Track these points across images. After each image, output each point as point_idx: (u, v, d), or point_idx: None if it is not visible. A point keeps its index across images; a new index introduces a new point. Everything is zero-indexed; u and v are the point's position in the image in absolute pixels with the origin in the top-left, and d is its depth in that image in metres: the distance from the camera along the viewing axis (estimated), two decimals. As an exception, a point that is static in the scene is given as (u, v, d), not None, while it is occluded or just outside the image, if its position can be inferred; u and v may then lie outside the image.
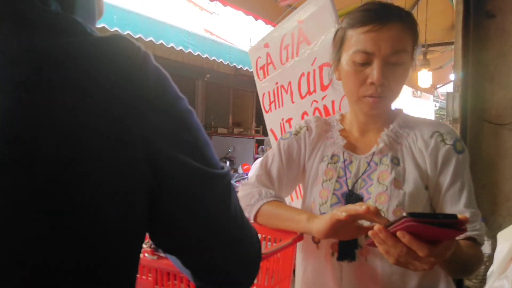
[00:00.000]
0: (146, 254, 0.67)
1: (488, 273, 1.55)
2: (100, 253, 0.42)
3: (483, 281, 1.66)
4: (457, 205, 0.89)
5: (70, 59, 0.40)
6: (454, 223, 0.60)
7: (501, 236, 1.58)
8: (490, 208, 1.84)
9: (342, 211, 0.75)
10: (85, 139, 0.39)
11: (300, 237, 0.90)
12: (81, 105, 0.39)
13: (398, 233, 0.63)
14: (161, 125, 0.44)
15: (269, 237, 0.96)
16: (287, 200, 1.20)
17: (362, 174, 0.95)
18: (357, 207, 0.72)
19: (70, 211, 0.39)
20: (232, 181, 0.54)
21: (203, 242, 0.48)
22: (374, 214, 0.70)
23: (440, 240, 0.64)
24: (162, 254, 0.68)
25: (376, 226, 0.66)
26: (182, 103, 0.48)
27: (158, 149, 0.43)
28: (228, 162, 6.06)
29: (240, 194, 1.03)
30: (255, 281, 0.83)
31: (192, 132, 0.47)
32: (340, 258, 0.92)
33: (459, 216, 0.60)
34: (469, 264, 0.85)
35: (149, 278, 0.71)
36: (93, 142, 0.39)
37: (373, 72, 0.87)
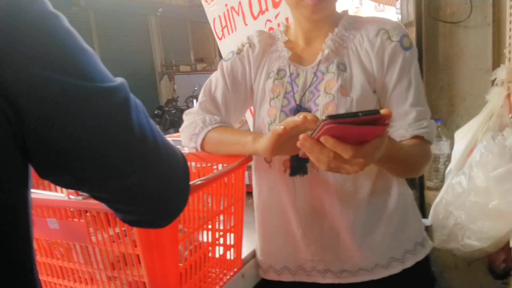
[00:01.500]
0: (71, 196, 0.61)
1: (447, 171, 1.59)
2: None
3: (443, 180, 1.71)
4: (403, 105, 0.86)
5: None
6: (377, 119, 0.57)
7: (458, 134, 1.61)
8: (448, 109, 1.85)
9: (280, 125, 0.70)
10: None
11: (247, 159, 0.86)
12: None
13: (321, 139, 0.59)
14: (23, 42, 0.36)
15: (219, 164, 0.91)
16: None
17: (309, 86, 0.90)
18: (295, 118, 0.67)
19: None
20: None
21: (101, 170, 0.43)
22: (313, 122, 0.65)
23: (367, 140, 0.61)
24: (87, 194, 0.63)
25: (301, 135, 0.62)
26: (51, 19, 0.39)
27: (14, 70, 0.36)
28: (195, 101, 5.87)
29: (184, 124, 0.97)
30: (205, 208, 0.80)
31: (60, 45, 0.39)
32: (293, 173, 0.91)
33: (382, 111, 0.56)
34: (413, 162, 0.84)
35: (81, 221, 0.67)
36: None
37: None
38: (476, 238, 1.41)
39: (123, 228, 0.69)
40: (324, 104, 0.87)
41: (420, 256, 0.92)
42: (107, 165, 0.43)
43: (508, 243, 1.40)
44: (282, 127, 0.69)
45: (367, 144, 0.61)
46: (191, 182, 0.67)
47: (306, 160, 0.91)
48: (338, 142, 0.59)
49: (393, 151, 0.72)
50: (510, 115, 1.41)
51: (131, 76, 3.66)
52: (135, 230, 0.64)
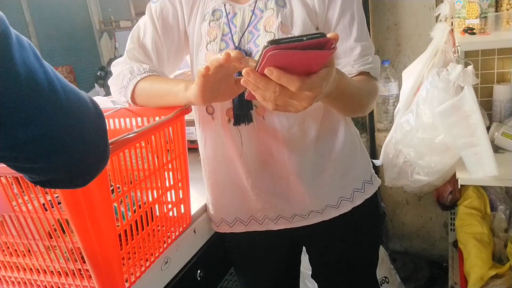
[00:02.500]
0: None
1: (395, 111, 1.61)
2: None
3: (393, 121, 1.74)
4: (348, 40, 0.83)
5: None
6: (324, 44, 0.51)
7: (405, 73, 1.61)
8: (395, 50, 1.85)
9: (203, 65, 0.64)
10: None
11: (184, 110, 0.80)
12: None
13: (266, 70, 0.53)
14: None
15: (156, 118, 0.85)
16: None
17: (248, 26, 0.84)
18: (218, 56, 0.61)
19: None
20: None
21: None
22: (237, 59, 0.59)
23: (314, 70, 0.56)
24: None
25: (244, 69, 0.56)
26: None
27: None
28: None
29: (111, 78, 0.88)
30: (145, 166, 0.75)
31: None
32: (236, 122, 0.86)
33: (329, 34, 0.51)
34: (361, 99, 0.81)
35: (-4, 189, 0.59)
36: None
37: None
38: (425, 173, 1.46)
39: (55, 196, 0.63)
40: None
41: (368, 194, 0.92)
42: None
43: (454, 175, 1.46)
44: (204, 66, 0.63)
45: (314, 75, 0.56)
46: (117, 138, 0.61)
47: (250, 107, 0.86)
48: (283, 73, 0.53)
49: (342, 85, 0.68)
50: (453, 50, 1.42)
51: (67, 36, 3.36)
52: (60, 192, 0.57)
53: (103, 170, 0.49)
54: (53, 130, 0.40)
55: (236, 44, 0.84)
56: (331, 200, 0.89)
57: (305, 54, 0.51)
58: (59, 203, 0.62)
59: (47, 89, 0.39)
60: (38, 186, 0.59)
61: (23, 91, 0.37)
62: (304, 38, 0.49)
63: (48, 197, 0.64)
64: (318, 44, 0.51)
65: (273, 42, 0.49)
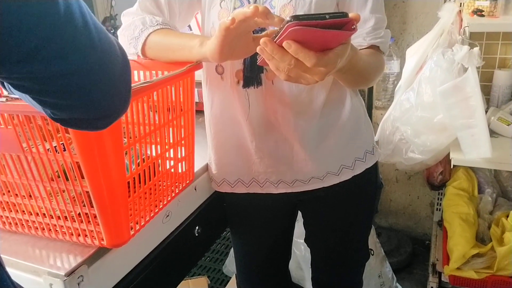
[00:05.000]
0: (-8, 98, 0.53)
1: (396, 88, 1.62)
2: None
3: (391, 99, 1.75)
4: (363, 10, 0.82)
5: None
6: (344, 23, 0.52)
7: (409, 52, 1.61)
8: (400, 27, 1.84)
9: (228, 18, 0.63)
10: None
11: (196, 65, 0.79)
12: None
13: (284, 43, 0.54)
14: None
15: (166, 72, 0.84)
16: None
17: None
18: (245, 9, 0.60)
19: None
20: None
21: (17, 49, 0.35)
22: (264, 14, 0.59)
23: (331, 47, 0.56)
24: (13, 96, 0.55)
25: (262, 39, 0.56)
26: None
27: None
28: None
29: (121, 27, 0.87)
30: (151, 118, 0.75)
31: None
32: (246, 85, 0.86)
33: (350, 14, 0.52)
34: (367, 73, 0.81)
35: (8, 128, 0.59)
36: None
37: None
38: (419, 151, 1.48)
39: (61, 142, 0.63)
40: (281, 5, 0.80)
41: (369, 163, 0.94)
42: (23, 41, 0.35)
43: (446, 156, 1.49)
44: (230, 18, 0.63)
45: (331, 51, 0.56)
46: (132, 85, 0.61)
47: (260, 70, 0.86)
48: (301, 48, 0.54)
49: (354, 60, 0.69)
50: (460, 31, 1.42)
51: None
52: (73, 135, 0.57)
53: (123, 114, 0.49)
54: (85, 67, 0.39)
55: (253, 4, 0.83)
56: (333, 167, 0.91)
57: (325, 33, 0.52)
58: (64, 150, 0.62)
59: (81, 24, 0.39)
60: (56, 125, 0.58)
61: (60, 22, 0.37)
62: (327, 17, 0.50)
63: (54, 143, 0.63)
64: (340, 23, 0.52)
65: (296, 18, 0.50)
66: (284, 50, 0.55)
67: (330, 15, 0.51)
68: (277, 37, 0.55)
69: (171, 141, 0.81)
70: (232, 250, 1.50)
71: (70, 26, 0.38)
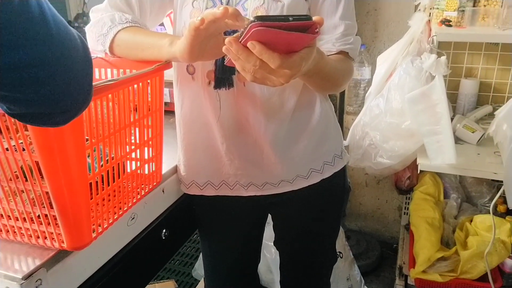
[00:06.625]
0: None
1: (366, 95, 1.65)
2: None
3: (362, 105, 1.78)
4: (333, 16, 0.83)
5: None
6: (308, 27, 0.53)
7: (380, 59, 1.65)
8: (372, 35, 1.87)
9: (198, 18, 0.62)
10: None
11: (165, 65, 0.77)
12: None
13: (249, 44, 0.54)
14: None
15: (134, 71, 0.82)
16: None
17: None
18: (215, 10, 0.60)
19: None
20: None
21: None
22: (234, 16, 0.59)
23: (295, 49, 0.57)
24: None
25: (227, 39, 0.56)
26: None
27: None
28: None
29: (89, 24, 0.84)
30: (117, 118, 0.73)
31: None
32: (217, 86, 0.85)
33: (314, 18, 0.53)
34: (335, 78, 0.83)
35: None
36: None
37: None
38: (387, 156, 1.52)
39: (20, 142, 0.60)
40: (253, 8, 0.80)
41: (337, 167, 0.95)
42: None
43: (414, 162, 1.52)
44: (199, 18, 0.62)
45: (295, 54, 0.57)
46: (96, 83, 0.59)
47: (232, 72, 0.85)
48: (265, 49, 0.55)
49: (320, 65, 0.70)
50: (429, 39, 1.46)
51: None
52: (32, 132, 0.55)
53: (84, 111, 0.48)
54: (40, 59, 0.38)
55: (224, 5, 0.82)
56: (302, 171, 0.91)
57: (289, 35, 0.52)
58: (24, 150, 0.59)
59: (38, 16, 0.37)
60: (12, 124, 0.56)
61: (14, 12, 0.35)
62: (290, 19, 0.51)
63: (13, 142, 0.61)
64: (303, 26, 0.53)
65: (259, 18, 0.51)
66: (249, 51, 0.56)
67: (294, 17, 0.52)
68: (243, 37, 0.55)
69: (138, 141, 0.80)
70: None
71: (25, 17, 0.36)
